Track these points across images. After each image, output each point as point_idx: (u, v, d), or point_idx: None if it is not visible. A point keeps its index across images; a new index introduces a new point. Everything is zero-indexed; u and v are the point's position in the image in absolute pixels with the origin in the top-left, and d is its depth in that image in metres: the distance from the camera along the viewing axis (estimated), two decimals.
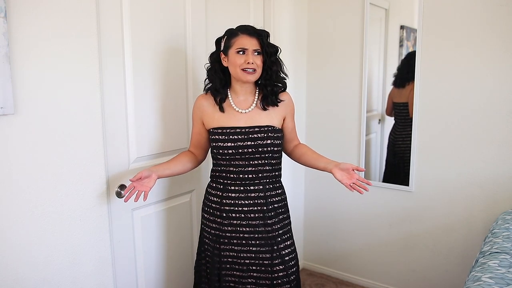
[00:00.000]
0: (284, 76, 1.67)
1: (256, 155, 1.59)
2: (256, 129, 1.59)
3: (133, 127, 1.72)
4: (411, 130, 2.34)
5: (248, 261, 1.64)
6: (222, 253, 1.66)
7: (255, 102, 1.65)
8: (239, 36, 1.57)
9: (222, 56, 1.62)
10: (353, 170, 1.56)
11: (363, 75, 2.47)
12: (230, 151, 1.58)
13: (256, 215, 1.61)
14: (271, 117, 1.64)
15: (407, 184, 2.40)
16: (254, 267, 1.64)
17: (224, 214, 1.62)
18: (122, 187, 1.66)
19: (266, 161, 1.61)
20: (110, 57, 1.59)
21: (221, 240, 1.65)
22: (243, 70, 1.55)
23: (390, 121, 2.48)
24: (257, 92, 1.66)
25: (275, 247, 1.63)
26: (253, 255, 1.63)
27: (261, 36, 1.58)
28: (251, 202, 1.61)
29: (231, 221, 1.62)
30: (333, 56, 2.59)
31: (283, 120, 1.70)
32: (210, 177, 1.73)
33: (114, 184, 1.64)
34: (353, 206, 2.64)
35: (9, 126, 1.28)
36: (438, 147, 2.28)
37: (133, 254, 1.78)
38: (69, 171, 1.45)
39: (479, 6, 2.08)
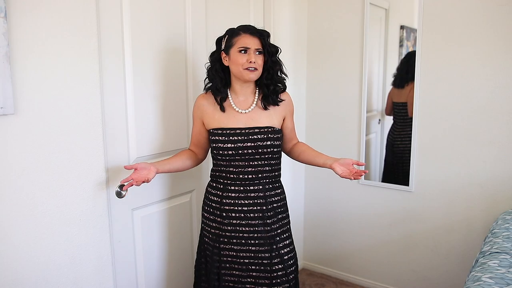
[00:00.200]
0: (284, 76, 1.68)
1: (256, 156, 1.59)
2: (256, 130, 1.59)
3: (133, 127, 1.72)
4: (410, 130, 2.34)
5: (247, 261, 1.65)
6: (222, 252, 1.66)
7: (255, 102, 1.65)
8: (241, 36, 1.58)
9: (223, 55, 1.62)
10: (353, 164, 1.59)
11: (363, 75, 2.47)
12: (230, 152, 1.58)
13: (256, 215, 1.61)
14: (271, 118, 1.65)
15: (407, 184, 2.40)
16: (253, 267, 1.65)
17: (224, 214, 1.63)
18: (122, 187, 1.66)
19: (265, 162, 1.61)
20: (110, 57, 1.59)
21: (221, 239, 1.65)
22: (245, 69, 1.56)
23: (390, 121, 2.48)
24: (257, 92, 1.67)
25: (274, 247, 1.63)
26: (252, 255, 1.64)
27: (263, 36, 1.59)
28: (251, 202, 1.61)
29: (231, 221, 1.62)
30: (333, 56, 2.59)
31: (283, 120, 1.71)
32: (210, 177, 1.73)
33: (114, 184, 1.64)
34: (353, 206, 2.64)
35: (9, 126, 1.28)
36: (438, 147, 2.28)
37: (133, 254, 1.78)
38: (69, 171, 1.45)
39: (480, 6, 2.08)
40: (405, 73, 2.33)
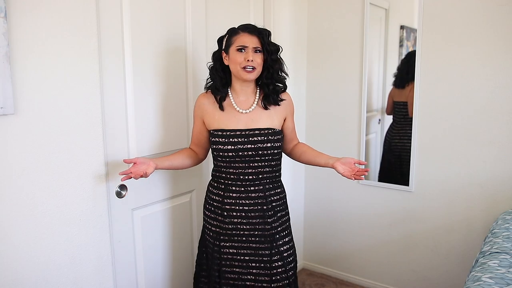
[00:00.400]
0: (285, 75, 1.67)
1: (256, 158, 1.59)
2: (256, 132, 1.59)
3: (133, 127, 1.72)
4: (409, 129, 2.35)
5: (247, 258, 1.65)
6: (222, 250, 1.67)
7: (256, 101, 1.65)
8: (239, 34, 1.58)
9: (224, 54, 1.62)
10: (355, 163, 1.59)
11: (363, 75, 2.47)
12: (230, 154, 1.58)
13: (256, 214, 1.62)
14: (271, 118, 1.65)
15: (405, 183, 2.40)
16: (253, 264, 1.65)
17: (225, 213, 1.63)
18: (122, 187, 1.66)
19: (266, 163, 1.62)
20: (110, 57, 1.59)
21: (222, 237, 1.66)
22: (243, 68, 1.55)
23: (390, 121, 2.48)
24: (257, 92, 1.67)
25: (274, 244, 1.64)
26: (252, 252, 1.65)
27: (262, 34, 1.58)
28: (252, 202, 1.61)
29: (232, 220, 1.63)
30: (333, 56, 2.59)
31: (284, 120, 1.71)
32: (211, 176, 1.74)
33: (114, 184, 1.64)
34: (353, 206, 2.64)
35: (9, 126, 1.28)
36: (438, 147, 2.28)
37: (133, 254, 1.78)
38: (69, 171, 1.45)
39: (480, 6, 2.08)
40: (405, 73, 2.33)
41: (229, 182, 1.63)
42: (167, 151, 1.87)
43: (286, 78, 1.68)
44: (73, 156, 1.46)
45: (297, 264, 1.80)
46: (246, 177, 1.61)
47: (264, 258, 1.64)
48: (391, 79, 2.43)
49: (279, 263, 1.65)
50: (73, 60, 1.43)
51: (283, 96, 1.69)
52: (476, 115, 2.15)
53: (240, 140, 1.58)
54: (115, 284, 1.69)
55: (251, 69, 1.56)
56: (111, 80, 1.60)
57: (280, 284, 1.65)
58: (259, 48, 1.57)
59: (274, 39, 1.63)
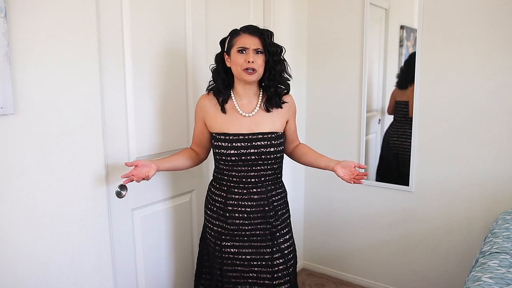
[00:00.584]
0: (288, 77, 1.65)
1: (259, 162, 1.59)
2: (259, 136, 1.58)
3: (133, 127, 1.72)
4: (408, 129, 2.35)
5: (249, 257, 1.66)
6: (224, 249, 1.67)
7: (258, 104, 1.63)
8: (240, 36, 1.56)
9: (226, 56, 1.61)
10: (355, 167, 1.59)
11: (363, 75, 2.47)
12: (233, 158, 1.58)
13: (258, 215, 1.62)
14: (274, 121, 1.63)
15: (406, 183, 2.40)
16: (255, 262, 1.66)
17: (228, 214, 1.64)
18: (122, 187, 1.66)
19: (268, 167, 1.62)
20: (110, 57, 1.59)
21: (223, 236, 1.66)
22: (244, 69, 1.53)
23: (390, 121, 2.48)
24: (260, 94, 1.65)
25: (275, 242, 1.65)
26: (254, 251, 1.65)
27: (263, 35, 1.56)
28: (254, 203, 1.62)
29: (234, 221, 1.63)
30: (333, 56, 2.59)
31: (286, 122, 1.70)
32: (213, 176, 1.73)
33: (114, 184, 1.64)
34: (353, 206, 2.64)
35: (9, 126, 1.28)
36: (438, 147, 2.28)
37: (133, 254, 1.78)
38: (69, 171, 1.45)
39: (480, 6, 2.08)
40: (407, 75, 2.33)
41: (232, 184, 1.63)
42: (167, 151, 1.88)
43: (289, 80, 1.66)
44: (73, 156, 1.46)
45: (298, 264, 1.80)
46: (249, 180, 1.61)
47: (265, 256, 1.65)
48: (391, 79, 2.43)
49: (280, 260, 1.66)
50: (73, 60, 1.43)
51: (286, 98, 1.67)
52: (476, 115, 2.15)
53: (243, 144, 1.57)
54: (115, 284, 1.69)
55: (252, 71, 1.54)
56: (111, 80, 1.60)
57: (282, 280, 1.66)
58: (260, 49, 1.55)
59: (274, 39, 1.62)
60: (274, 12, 2.41)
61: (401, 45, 2.37)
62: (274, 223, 1.65)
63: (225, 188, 1.64)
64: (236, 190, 1.62)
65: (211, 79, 1.67)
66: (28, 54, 1.30)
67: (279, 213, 1.68)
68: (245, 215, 1.62)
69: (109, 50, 1.58)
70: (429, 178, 2.33)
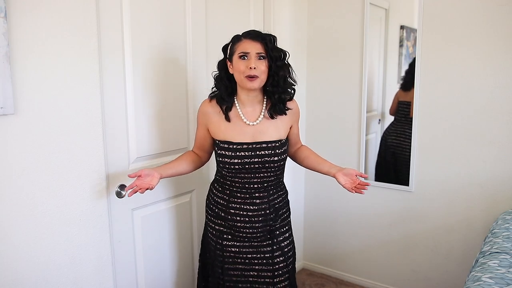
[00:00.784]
0: (293, 82, 1.59)
1: (263, 169, 1.58)
2: (263, 145, 1.56)
3: (133, 127, 1.72)
4: (407, 129, 2.36)
5: (250, 255, 1.67)
6: (225, 248, 1.67)
7: (263, 112, 1.59)
8: (242, 41, 1.52)
9: (228, 63, 1.57)
10: (356, 176, 1.58)
11: (363, 75, 2.47)
12: (236, 166, 1.57)
13: (260, 219, 1.63)
14: (278, 129, 1.61)
15: (405, 183, 2.40)
16: (255, 261, 1.67)
17: (229, 217, 1.64)
18: (122, 187, 1.66)
19: (271, 173, 1.61)
20: (110, 57, 1.59)
21: (225, 236, 1.67)
22: (246, 76, 1.49)
23: (390, 121, 2.48)
24: (265, 101, 1.61)
25: (275, 240, 1.66)
26: (254, 250, 1.66)
27: (265, 40, 1.51)
28: (256, 207, 1.62)
29: (235, 223, 1.63)
30: (333, 56, 2.59)
31: (290, 127, 1.68)
32: (215, 178, 1.72)
33: (114, 184, 1.64)
34: (353, 206, 2.64)
35: (9, 126, 1.28)
36: (438, 147, 2.28)
37: (133, 254, 1.78)
38: (69, 171, 1.45)
39: (480, 6, 2.08)
40: (412, 76, 2.32)
41: (234, 189, 1.62)
42: (167, 151, 1.88)
43: (294, 85, 1.60)
44: (73, 156, 1.46)
45: (298, 264, 1.80)
46: (252, 186, 1.60)
47: (266, 255, 1.66)
48: (391, 79, 2.43)
49: (281, 258, 1.67)
50: (73, 60, 1.43)
51: (290, 104, 1.63)
52: (476, 115, 2.15)
53: (247, 154, 1.55)
54: (115, 284, 1.69)
55: (253, 78, 1.48)
56: (111, 80, 1.60)
57: (282, 278, 1.67)
58: (262, 54, 1.50)
59: (277, 43, 1.58)
60: (274, 12, 2.41)
61: (401, 45, 2.37)
62: (275, 224, 1.66)
63: (228, 192, 1.64)
64: (238, 194, 1.62)
65: (214, 85, 1.64)
66: (28, 54, 1.30)
67: (279, 212, 1.68)
68: (247, 219, 1.62)
69: (109, 50, 1.58)
70: (429, 178, 2.33)
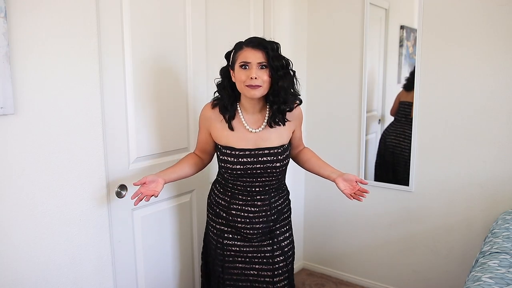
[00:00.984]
0: (295, 93, 1.55)
1: (265, 174, 1.58)
2: (266, 151, 1.55)
3: (133, 127, 1.72)
4: (407, 129, 2.35)
5: (250, 255, 1.67)
6: (225, 247, 1.68)
7: (266, 119, 1.58)
8: (243, 50, 1.49)
9: (231, 71, 1.54)
10: (356, 182, 1.57)
11: (363, 75, 2.47)
12: (238, 172, 1.57)
13: (260, 220, 1.63)
14: (281, 135, 1.59)
15: (405, 183, 2.40)
16: (256, 260, 1.67)
17: (230, 218, 1.64)
18: (122, 187, 1.66)
19: (273, 178, 1.61)
20: (110, 57, 1.59)
21: (225, 235, 1.67)
22: (247, 86, 1.46)
23: (390, 121, 2.48)
24: (267, 109, 1.58)
25: (275, 240, 1.67)
26: (255, 249, 1.66)
27: (267, 48, 1.46)
28: (257, 209, 1.62)
29: (236, 224, 1.64)
30: (333, 55, 2.59)
31: (292, 132, 1.67)
32: (217, 180, 1.72)
33: (114, 184, 1.64)
34: (353, 206, 2.64)
35: (9, 126, 1.28)
36: (438, 147, 2.28)
37: (133, 254, 1.78)
38: (69, 171, 1.45)
39: (480, 6, 2.08)
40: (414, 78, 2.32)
41: (236, 191, 1.63)
42: (167, 151, 1.88)
43: (296, 95, 1.56)
44: (73, 156, 1.46)
45: (298, 264, 1.81)
46: (253, 189, 1.60)
47: (266, 254, 1.66)
48: (391, 79, 2.43)
49: (281, 257, 1.67)
50: (73, 60, 1.43)
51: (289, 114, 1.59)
52: (476, 115, 2.15)
53: (249, 160, 1.55)
54: (115, 284, 1.69)
55: (255, 86, 1.45)
56: (111, 80, 1.60)
57: (282, 277, 1.68)
58: (264, 63, 1.46)
59: (274, 39, 1.57)
60: (274, 12, 2.41)
61: (401, 45, 2.37)
62: (275, 224, 1.67)
63: (229, 193, 1.64)
64: (240, 197, 1.62)
65: (216, 91, 1.62)
66: (28, 54, 1.30)
67: (280, 213, 1.68)
68: (248, 220, 1.62)
69: (109, 50, 1.58)
70: (429, 178, 2.33)
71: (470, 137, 2.18)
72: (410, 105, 2.34)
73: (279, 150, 1.57)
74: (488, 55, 2.08)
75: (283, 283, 1.68)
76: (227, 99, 1.56)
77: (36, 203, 1.37)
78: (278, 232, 1.67)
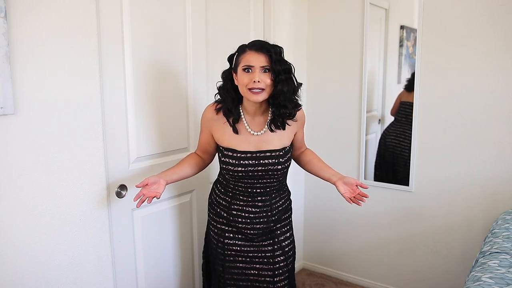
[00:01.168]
0: (295, 99, 1.54)
1: (266, 176, 1.58)
2: (267, 154, 1.55)
3: (133, 127, 1.72)
4: (407, 129, 2.36)
5: (251, 255, 1.68)
6: (226, 247, 1.68)
7: (268, 123, 1.57)
8: (246, 53, 1.48)
9: (234, 74, 1.53)
10: (357, 186, 1.58)
11: (363, 75, 2.47)
12: (240, 174, 1.57)
13: (261, 220, 1.63)
14: (282, 137, 1.59)
15: (405, 183, 2.40)
16: (256, 259, 1.68)
17: (231, 218, 1.64)
18: (122, 187, 1.66)
19: (274, 179, 1.61)
20: (110, 57, 1.59)
21: (226, 234, 1.68)
22: (250, 89, 1.45)
23: (390, 121, 2.48)
24: (270, 112, 1.58)
25: (276, 239, 1.67)
26: (256, 249, 1.67)
27: (270, 52, 1.45)
28: (258, 210, 1.62)
29: (237, 224, 1.64)
30: (333, 55, 2.59)
31: (294, 134, 1.67)
32: (218, 180, 1.72)
33: (114, 184, 1.64)
34: (353, 207, 2.61)
35: (9, 126, 1.28)
36: (438, 147, 2.28)
37: (133, 254, 1.78)
38: (69, 171, 1.45)
39: (480, 6, 2.08)
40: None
41: (237, 192, 1.63)
42: (167, 151, 1.88)
43: (297, 100, 1.55)
44: (73, 156, 1.46)
45: (298, 264, 1.81)
46: (254, 190, 1.60)
47: (267, 254, 1.67)
48: (391, 79, 2.43)
49: (281, 257, 1.67)
50: (73, 60, 1.43)
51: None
52: (476, 115, 2.15)
53: (250, 162, 1.54)
54: (115, 284, 1.69)
55: (258, 90, 1.45)
56: (111, 80, 1.60)
57: (282, 277, 1.68)
58: (267, 67, 1.45)
59: (274, 39, 1.57)
60: (274, 12, 2.41)
61: (401, 45, 2.37)
62: (276, 224, 1.67)
63: (230, 194, 1.64)
64: (241, 197, 1.62)
65: (217, 93, 1.61)
66: (28, 54, 1.30)
67: (281, 213, 1.69)
68: (248, 220, 1.62)
69: (109, 50, 1.58)
70: (429, 178, 2.33)
71: (470, 137, 2.18)
72: (411, 105, 2.34)
73: (281, 153, 1.57)
74: (488, 55, 2.08)
75: (283, 282, 1.68)
76: (230, 102, 1.54)
77: (36, 203, 1.37)
78: (279, 232, 1.68)
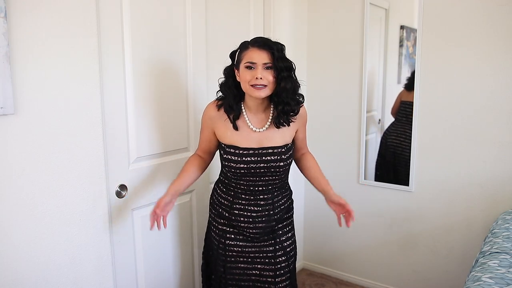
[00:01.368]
0: (297, 96, 1.56)
1: (268, 173, 1.58)
2: (269, 151, 1.55)
3: (133, 127, 1.72)
4: (408, 129, 2.36)
5: (252, 255, 1.67)
6: (227, 248, 1.68)
7: (270, 119, 1.58)
8: (249, 50, 1.48)
9: (236, 70, 1.54)
10: (347, 210, 1.67)
11: (363, 74, 2.47)
12: (242, 171, 1.57)
13: (263, 219, 1.63)
14: (284, 134, 1.60)
15: (406, 183, 2.40)
16: (258, 259, 1.68)
17: (233, 217, 1.64)
18: (122, 187, 1.66)
19: (276, 177, 1.61)
20: (110, 57, 1.59)
21: (227, 235, 1.67)
22: (252, 85, 1.47)
23: (390, 121, 2.48)
24: (272, 109, 1.59)
25: (278, 240, 1.67)
26: (257, 249, 1.67)
27: (272, 49, 1.46)
28: (260, 208, 1.62)
29: (239, 224, 1.64)
30: (333, 55, 2.59)
31: (296, 131, 1.67)
32: (219, 180, 1.72)
33: (114, 184, 1.64)
34: (353, 206, 2.63)
35: (9, 126, 1.28)
36: (438, 147, 2.28)
37: (133, 254, 1.78)
38: (69, 171, 1.45)
39: (480, 6, 2.08)
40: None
41: (239, 191, 1.63)
42: (167, 151, 1.88)
43: (299, 101, 1.57)
44: (73, 156, 1.46)
45: (298, 264, 1.81)
46: (256, 188, 1.60)
47: (268, 254, 1.67)
48: (391, 79, 2.43)
49: (283, 257, 1.67)
50: (73, 60, 1.43)
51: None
52: (476, 115, 2.15)
53: (252, 159, 1.55)
54: (115, 284, 1.69)
55: (261, 86, 1.46)
56: (111, 80, 1.60)
57: (284, 277, 1.68)
58: (269, 64, 1.46)
59: (274, 39, 1.57)
60: (274, 12, 2.41)
61: (401, 45, 2.37)
62: (278, 224, 1.67)
63: (232, 193, 1.64)
64: (243, 196, 1.62)
65: (219, 90, 1.61)
66: (28, 54, 1.30)
67: (283, 212, 1.69)
68: (250, 219, 1.62)
69: (109, 50, 1.58)
70: (429, 178, 2.33)
71: (470, 137, 2.18)
72: (411, 105, 2.34)
73: (283, 150, 1.57)
74: (488, 55, 2.08)
75: (285, 283, 1.68)
76: (232, 98, 1.55)
77: (36, 203, 1.37)
78: (280, 232, 1.68)
